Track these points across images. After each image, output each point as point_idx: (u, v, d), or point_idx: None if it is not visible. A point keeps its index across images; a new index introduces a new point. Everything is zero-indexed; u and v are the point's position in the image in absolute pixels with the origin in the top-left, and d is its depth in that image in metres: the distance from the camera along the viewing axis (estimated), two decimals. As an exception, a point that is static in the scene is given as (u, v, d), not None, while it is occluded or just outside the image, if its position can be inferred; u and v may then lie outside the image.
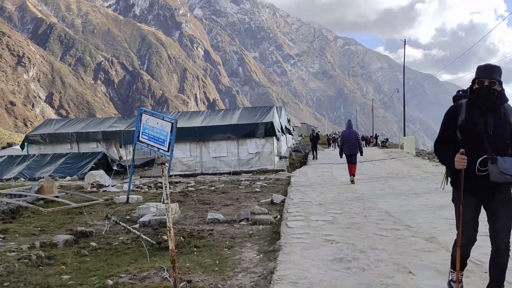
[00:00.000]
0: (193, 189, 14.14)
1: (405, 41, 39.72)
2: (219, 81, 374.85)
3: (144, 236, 6.99)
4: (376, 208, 8.98)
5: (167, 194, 4.37)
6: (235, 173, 20.16)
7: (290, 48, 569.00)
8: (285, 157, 25.54)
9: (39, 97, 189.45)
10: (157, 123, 10.85)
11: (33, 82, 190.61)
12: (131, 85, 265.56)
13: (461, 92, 5.59)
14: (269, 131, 20.37)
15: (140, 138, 11.18)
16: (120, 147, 28.08)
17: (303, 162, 25.46)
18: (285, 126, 30.13)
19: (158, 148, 10.80)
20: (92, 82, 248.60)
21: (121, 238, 7.68)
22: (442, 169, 16.51)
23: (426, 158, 24.52)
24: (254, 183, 14.90)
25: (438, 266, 5.12)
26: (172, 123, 10.63)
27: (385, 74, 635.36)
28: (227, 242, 6.99)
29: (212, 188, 14.04)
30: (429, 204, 9.15)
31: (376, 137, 61.17)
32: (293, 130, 59.12)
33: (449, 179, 4.07)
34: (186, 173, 20.67)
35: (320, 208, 9.21)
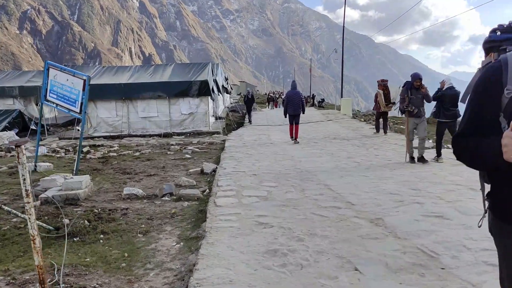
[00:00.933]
0: (115, 154, 12.71)
1: (345, 2, 39.00)
2: (155, 34, 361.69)
3: (37, 222, 5.69)
4: (314, 180, 8.16)
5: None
6: (166, 135, 18.78)
7: (229, 3, 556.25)
8: (221, 118, 24.42)
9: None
10: (67, 80, 9.26)
11: None
12: (61, 37, 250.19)
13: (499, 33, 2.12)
14: (203, 90, 19.01)
15: (48, 97, 9.56)
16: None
17: (241, 123, 24.46)
18: (222, 85, 28.78)
19: (69, 109, 9.26)
20: (17, 32, 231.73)
21: (14, 220, 6.34)
22: (379, 133, 15.96)
23: (362, 120, 24.34)
24: (185, 148, 13.70)
25: (387, 259, 4.31)
26: (85, 80, 9.09)
27: (324, 34, 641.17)
28: (143, 226, 5.88)
29: (137, 153, 12.69)
30: (371, 175, 8.47)
31: (313, 97, 61.25)
32: (231, 89, 57.76)
33: (485, 197, 2.04)
34: (112, 134, 19.00)
35: (254, 180, 8.25)
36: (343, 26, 39.78)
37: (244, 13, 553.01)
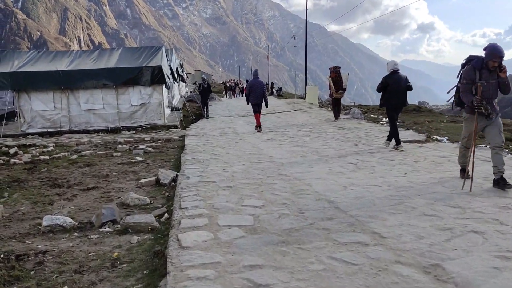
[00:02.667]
0: (47, 157, 10.14)
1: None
2: (105, 23, 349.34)
3: None
4: (310, 192, 6.10)
5: None
6: (114, 130, 16.20)
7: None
8: (178, 109, 21.94)
9: None
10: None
11: None
12: (4, 25, 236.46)
13: None
14: (156, 77, 16.48)
15: None
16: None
17: (199, 115, 22.12)
18: (177, 72, 26.20)
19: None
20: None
21: None
22: (356, 124, 14.07)
23: (330, 109, 22.59)
24: (135, 147, 11.28)
25: None
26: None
27: (277, 23, 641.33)
28: (65, 288, 3.63)
29: (75, 156, 10.16)
30: (382, 182, 6.50)
31: (272, 85, 59.34)
32: (187, 77, 54.90)
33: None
34: (50, 130, 16.21)
35: (230, 194, 6.07)
36: (306, 17, 38.04)
37: (197, 1, 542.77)
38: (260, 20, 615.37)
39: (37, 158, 10.03)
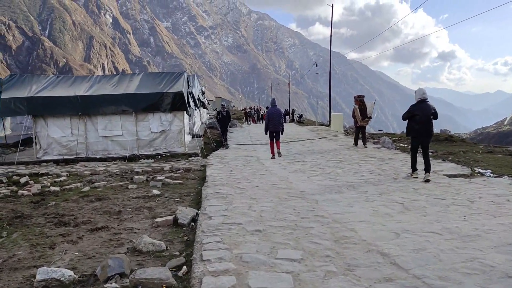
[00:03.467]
0: (58, 188, 9.36)
1: (331, 32, 36.67)
2: (128, 50, 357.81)
3: None
4: (356, 240, 5.09)
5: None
6: (133, 158, 15.45)
7: (203, 19, 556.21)
8: (199, 136, 21.24)
9: None
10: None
11: None
12: (31, 52, 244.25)
13: None
14: (178, 103, 15.80)
15: None
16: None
17: (220, 142, 21.34)
18: (199, 98, 25.63)
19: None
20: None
21: None
22: (389, 154, 13.05)
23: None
24: (153, 178, 10.43)
25: None
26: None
27: (297, 51, 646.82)
28: None
29: (87, 188, 9.33)
30: (448, 233, 5.46)
31: (293, 112, 58.63)
32: (208, 103, 54.73)
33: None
34: (66, 157, 15.56)
35: (260, 241, 5.10)
36: (330, 50, 37.54)
37: (219, 29, 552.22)
38: (280, 48, 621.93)
39: (47, 190, 9.25)
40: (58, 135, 15.79)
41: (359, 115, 16.99)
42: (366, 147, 16.82)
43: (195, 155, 15.56)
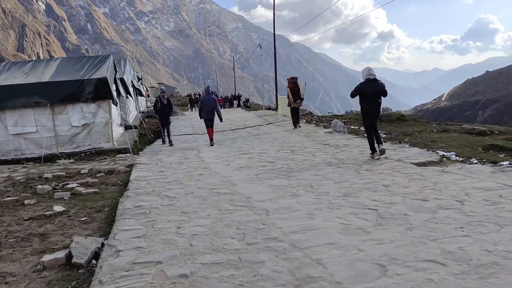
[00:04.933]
0: None
1: (274, 9, 35.13)
2: (65, 38, 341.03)
3: None
4: (325, 279, 3.46)
5: None
6: (51, 157, 13.13)
7: (143, 4, 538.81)
8: (134, 127, 18.95)
9: None
10: None
11: None
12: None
13: None
14: (101, 91, 13.53)
15: None
16: None
17: (159, 132, 19.27)
18: (133, 85, 23.26)
19: None
20: None
21: None
22: (343, 139, 11.60)
23: (305, 121, 20.11)
24: (64, 185, 8.34)
25: None
26: None
27: (240, 34, 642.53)
28: None
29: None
30: (453, 261, 3.92)
31: (239, 97, 56.79)
32: (148, 90, 51.78)
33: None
34: (-32, 161, 13.00)
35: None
36: (273, 31, 35.92)
37: (159, 14, 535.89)
38: (224, 32, 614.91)
39: None
40: (-42, 134, 13.17)
41: (291, 97, 17.17)
42: (300, 126, 17.62)
43: (125, 150, 13.45)
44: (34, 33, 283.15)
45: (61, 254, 4.54)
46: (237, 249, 4.34)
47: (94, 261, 4.41)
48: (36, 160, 13.07)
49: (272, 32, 36.56)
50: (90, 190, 7.68)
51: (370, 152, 9.68)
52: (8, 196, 7.76)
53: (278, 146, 12.55)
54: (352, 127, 16.88)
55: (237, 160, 10.49)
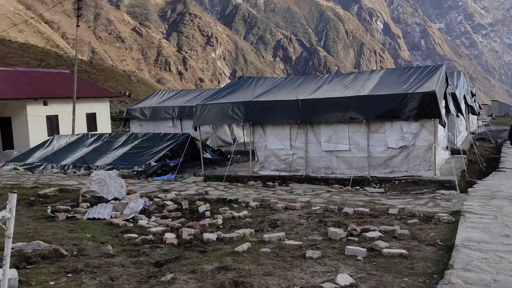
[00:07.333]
0: (214, 236, 6.26)
1: None
2: (398, 55, 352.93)
3: None
4: None
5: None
6: (360, 181, 11.52)
7: (481, 17, 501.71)
8: (463, 152, 15.54)
9: (224, 74, 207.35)
10: None
11: (219, 60, 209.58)
12: (308, 62, 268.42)
13: None
14: (427, 108, 11.01)
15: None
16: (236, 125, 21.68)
17: (493, 161, 15.31)
18: (465, 102, 19.63)
19: None
20: (272, 59, 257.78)
21: None
22: None
23: None
24: (362, 231, 6.28)
25: None
26: None
27: None
28: None
29: (245, 247, 5.84)
30: None
31: None
32: (480, 108, 45.63)
33: None
34: (283, 174, 12.80)
35: None
36: None
37: (499, 26, 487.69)
38: None
39: (198, 237, 6.26)
40: (276, 147, 13.16)
41: None
42: None
43: (450, 184, 10.48)
44: (370, 51, 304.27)
45: None
46: None
47: None
48: (346, 182, 11.68)
49: None
50: (395, 251, 5.29)
51: None
52: (297, 232, 6.23)
53: None
54: None
55: None
